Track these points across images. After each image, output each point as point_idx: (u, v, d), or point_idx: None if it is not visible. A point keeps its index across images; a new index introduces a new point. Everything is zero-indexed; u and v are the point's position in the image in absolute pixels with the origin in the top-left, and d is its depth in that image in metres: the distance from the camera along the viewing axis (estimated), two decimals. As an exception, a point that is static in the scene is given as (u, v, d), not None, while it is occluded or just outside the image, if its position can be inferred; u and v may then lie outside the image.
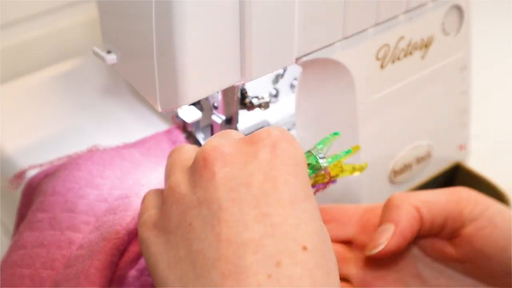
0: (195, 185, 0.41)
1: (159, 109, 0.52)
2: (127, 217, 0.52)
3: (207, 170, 0.40)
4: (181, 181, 0.42)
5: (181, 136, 0.62)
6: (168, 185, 0.42)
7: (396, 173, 0.66)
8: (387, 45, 0.60)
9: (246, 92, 0.58)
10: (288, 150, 0.41)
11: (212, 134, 0.59)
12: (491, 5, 1.04)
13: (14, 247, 0.52)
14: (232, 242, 0.38)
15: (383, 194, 0.67)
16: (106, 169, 0.58)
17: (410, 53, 0.62)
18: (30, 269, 0.50)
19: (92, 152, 0.60)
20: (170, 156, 0.46)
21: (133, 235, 0.52)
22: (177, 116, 0.60)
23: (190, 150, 0.46)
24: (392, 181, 0.66)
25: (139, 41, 0.51)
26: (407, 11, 0.59)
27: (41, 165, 0.60)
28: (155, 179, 0.56)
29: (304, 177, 0.41)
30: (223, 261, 0.37)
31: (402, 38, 0.60)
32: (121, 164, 0.59)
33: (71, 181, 0.56)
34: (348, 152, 0.48)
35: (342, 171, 0.49)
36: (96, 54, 0.56)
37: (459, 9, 0.64)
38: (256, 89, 0.61)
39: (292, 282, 0.37)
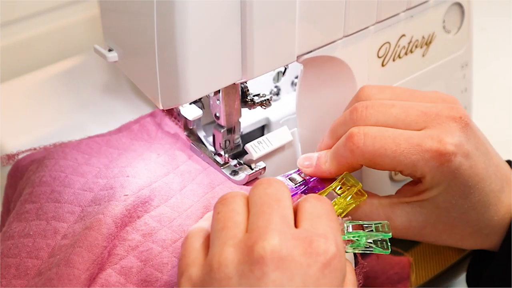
0: (242, 275, 0.42)
1: (161, 107, 0.53)
2: (110, 206, 0.53)
3: (259, 269, 0.42)
4: (230, 262, 0.43)
5: (165, 119, 0.63)
6: (218, 259, 0.43)
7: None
8: (388, 43, 0.60)
9: (247, 90, 0.58)
10: (336, 272, 0.43)
11: (214, 143, 0.59)
12: (491, 3, 1.04)
13: (3, 238, 0.53)
14: None
15: (383, 192, 0.67)
16: (93, 157, 0.59)
17: (411, 51, 0.62)
18: (16, 258, 0.51)
19: (79, 141, 0.61)
20: (217, 210, 0.46)
21: (118, 219, 0.52)
22: (178, 114, 0.60)
23: (239, 207, 0.46)
24: (392, 179, 0.66)
25: (141, 39, 0.51)
26: (408, 9, 0.59)
27: (35, 149, 0.61)
28: (140, 170, 0.57)
29: None
30: None
31: (403, 36, 0.60)
32: (108, 151, 0.60)
33: (57, 170, 0.57)
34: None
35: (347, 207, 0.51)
36: (97, 52, 0.56)
37: (460, 7, 0.65)
38: (258, 87, 0.61)
39: None
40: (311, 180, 0.54)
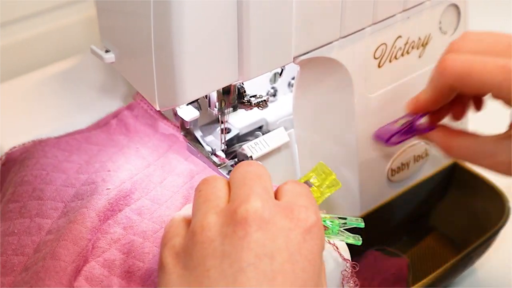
0: (225, 236, 0.42)
1: (158, 108, 0.53)
2: (92, 200, 0.53)
3: (242, 229, 0.42)
4: (213, 225, 0.43)
5: (142, 111, 0.63)
6: (200, 223, 0.43)
7: (393, 171, 0.66)
8: (384, 44, 0.60)
9: (244, 91, 0.58)
10: (316, 239, 0.44)
11: (209, 103, 0.59)
12: (488, 3, 1.04)
13: None
14: None
15: (380, 193, 0.67)
16: (73, 154, 0.59)
17: (407, 52, 0.62)
18: (2, 256, 0.52)
19: (58, 139, 0.61)
20: (199, 188, 0.47)
21: (101, 212, 0.52)
22: (175, 115, 0.60)
23: (221, 185, 0.46)
24: (389, 180, 0.66)
25: (137, 40, 0.51)
26: (404, 10, 0.60)
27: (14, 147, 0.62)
28: (121, 164, 0.57)
29: (319, 267, 0.44)
30: None
31: (399, 37, 0.61)
32: (88, 147, 0.60)
33: (38, 168, 0.58)
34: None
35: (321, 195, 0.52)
36: (94, 52, 0.56)
37: (456, 8, 0.65)
38: (254, 88, 0.61)
39: None
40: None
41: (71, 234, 0.51)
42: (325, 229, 0.49)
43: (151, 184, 0.56)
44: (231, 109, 0.58)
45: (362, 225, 0.50)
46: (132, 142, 0.60)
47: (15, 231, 0.53)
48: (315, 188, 0.52)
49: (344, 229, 0.50)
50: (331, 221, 0.50)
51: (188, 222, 0.46)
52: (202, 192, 0.46)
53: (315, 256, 0.43)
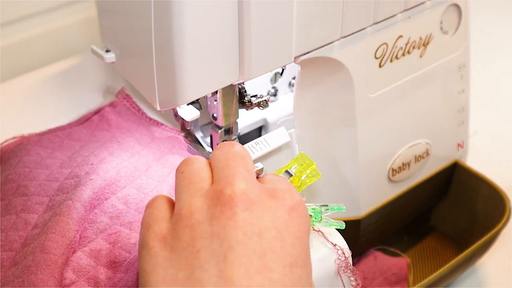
0: (213, 217, 0.43)
1: (158, 108, 0.52)
2: (77, 192, 0.53)
3: (229, 209, 0.43)
4: (200, 208, 0.43)
5: (124, 108, 0.63)
6: (188, 208, 0.44)
7: (394, 171, 0.66)
8: (385, 43, 0.60)
9: (245, 91, 0.58)
10: (302, 217, 0.45)
11: (212, 144, 0.59)
12: (489, 3, 1.04)
13: None
14: (231, 283, 0.40)
15: (381, 193, 0.67)
16: (56, 151, 0.60)
17: (408, 52, 0.62)
18: None
19: (40, 137, 0.62)
20: (181, 170, 0.47)
21: (86, 202, 0.52)
22: (176, 115, 0.60)
23: (203, 165, 0.46)
24: (390, 179, 0.66)
25: (138, 39, 0.51)
26: (405, 10, 0.59)
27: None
28: (104, 157, 0.57)
29: (307, 245, 0.44)
30: None
31: (400, 36, 0.61)
32: (70, 144, 0.61)
33: (21, 166, 0.58)
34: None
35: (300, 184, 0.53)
36: (94, 52, 0.56)
37: (457, 8, 0.65)
38: (255, 88, 0.61)
39: None
40: None
41: (58, 227, 0.51)
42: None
43: (136, 172, 0.56)
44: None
45: (343, 209, 0.51)
46: (114, 137, 0.60)
47: (2, 228, 0.53)
48: (295, 177, 0.53)
49: (327, 216, 0.51)
50: (312, 209, 0.51)
51: (171, 203, 0.46)
52: (185, 174, 0.46)
53: (302, 234, 0.44)
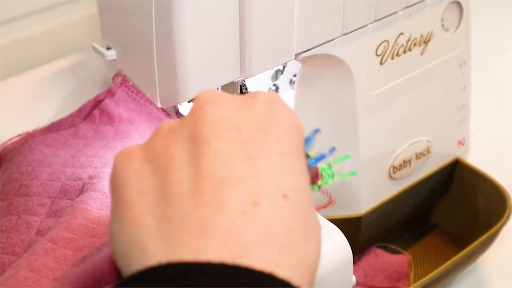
0: (184, 123, 0.39)
1: (159, 105, 0.52)
2: (81, 209, 0.52)
3: (199, 109, 0.39)
4: (172, 122, 0.40)
5: (123, 94, 0.62)
6: (159, 126, 0.40)
7: (395, 168, 0.66)
8: (386, 41, 0.60)
9: (246, 88, 0.58)
10: (285, 111, 0.40)
11: None
12: (490, 1, 1.04)
13: None
14: (212, 175, 0.36)
15: (382, 190, 0.67)
16: (60, 149, 0.59)
17: (410, 49, 0.62)
18: None
19: (45, 135, 0.61)
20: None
21: (94, 223, 0.51)
22: (177, 112, 0.60)
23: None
24: (391, 177, 0.66)
25: (139, 37, 0.51)
26: (406, 7, 0.59)
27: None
28: (108, 160, 0.56)
29: (298, 141, 0.39)
30: (199, 192, 0.36)
31: (401, 34, 0.60)
32: (74, 142, 0.60)
33: (24, 165, 0.57)
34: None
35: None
36: (95, 50, 0.56)
37: (458, 5, 0.64)
38: (256, 85, 0.61)
39: (267, 223, 0.35)
40: None
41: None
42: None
43: None
44: None
45: (350, 156, 0.48)
46: (118, 134, 0.60)
47: (3, 228, 0.53)
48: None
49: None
50: (322, 169, 0.48)
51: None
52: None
53: (290, 127, 0.39)
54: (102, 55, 0.55)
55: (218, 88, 0.56)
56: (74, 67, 0.74)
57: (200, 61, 0.49)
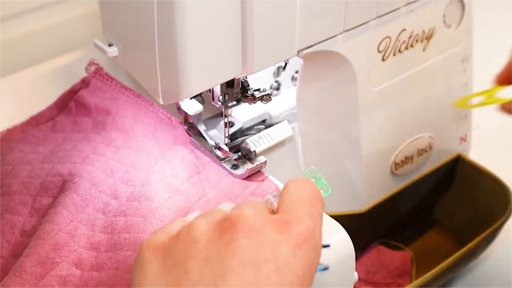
0: (211, 240, 0.41)
1: (161, 102, 0.52)
2: (62, 199, 0.52)
3: (229, 234, 0.40)
4: (201, 228, 0.41)
5: (98, 84, 0.62)
6: (188, 225, 0.42)
7: (397, 165, 0.66)
8: (388, 37, 0.60)
9: (248, 85, 0.58)
10: (308, 256, 0.41)
11: (212, 96, 0.59)
12: (492, -3, 1.04)
13: None
14: None
15: (384, 187, 0.67)
16: (39, 145, 0.59)
17: (412, 46, 0.62)
18: None
19: (25, 133, 0.61)
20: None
21: (74, 209, 0.51)
22: (179, 109, 0.60)
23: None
24: (393, 173, 0.66)
25: (141, 33, 0.51)
26: (408, 4, 0.59)
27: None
28: (87, 155, 0.56)
29: (309, 285, 0.41)
30: None
31: (403, 30, 0.60)
32: (53, 137, 0.59)
33: (4, 164, 0.57)
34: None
35: None
36: (97, 46, 0.56)
37: (460, 1, 0.64)
38: (258, 81, 0.61)
39: None
40: None
41: (51, 238, 0.50)
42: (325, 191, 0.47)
43: (122, 167, 0.55)
44: (234, 102, 0.58)
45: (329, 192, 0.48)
46: (96, 125, 0.59)
47: None
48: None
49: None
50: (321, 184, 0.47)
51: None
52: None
53: (304, 273, 0.40)
54: (103, 51, 0.55)
55: (219, 85, 0.55)
56: (75, 64, 0.74)
57: (202, 57, 0.49)
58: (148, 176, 0.54)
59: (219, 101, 0.57)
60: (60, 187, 0.54)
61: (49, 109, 0.63)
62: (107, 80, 0.62)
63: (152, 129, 0.58)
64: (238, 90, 0.58)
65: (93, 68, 0.63)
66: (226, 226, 0.41)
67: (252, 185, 0.55)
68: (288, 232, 0.41)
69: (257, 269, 0.39)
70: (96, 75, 0.63)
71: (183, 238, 0.41)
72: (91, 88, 0.62)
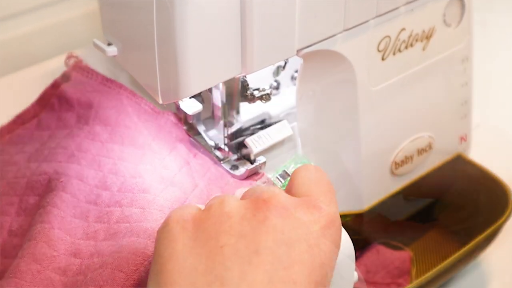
0: (244, 218, 0.41)
1: (160, 101, 0.52)
2: (50, 198, 0.51)
3: (263, 212, 0.41)
4: (233, 205, 0.42)
5: (79, 77, 0.61)
6: (220, 201, 0.42)
7: (397, 164, 0.66)
8: (388, 36, 0.60)
9: (247, 84, 0.58)
10: (335, 236, 0.43)
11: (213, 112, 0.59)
12: (492, -4, 1.04)
13: None
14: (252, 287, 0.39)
15: (384, 186, 0.67)
16: (26, 145, 0.58)
17: (411, 45, 0.62)
18: None
19: (11, 134, 0.60)
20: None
21: (65, 206, 0.51)
22: (178, 108, 0.60)
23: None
24: (393, 173, 0.66)
25: (140, 33, 0.51)
26: (408, 3, 0.59)
27: None
28: (71, 152, 0.56)
29: (332, 268, 0.42)
30: None
31: (403, 29, 0.60)
32: (39, 135, 0.59)
33: None
34: None
35: None
36: (96, 46, 0.56)
37: (460, 1, 0.64)
38: (257, 81, 0.61)
39: None
40: None
41: (45, 237, 0.49)
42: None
43: (109, 161, 0.54)
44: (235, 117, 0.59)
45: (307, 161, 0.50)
46: (79, 120, 0.59)
47: None
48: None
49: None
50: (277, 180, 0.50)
51: None
52: None
53: (332, 254, 0.42)
54: (103, 51, 0.55)
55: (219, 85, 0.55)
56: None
57: (201, 57, 0.49)
58: (137, 167, 0.54)
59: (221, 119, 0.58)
60: (46, 185, 0.53)
61: (33, 106, 0.63)
62: (88, 72, 0.62)
63: (135, 119, 0.58)
64: (237, 90, 0.58)
65: (72, 61, 0.63)
66: (259, 205, 0.41)
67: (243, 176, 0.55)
68: (318, 213, 0.42)
69: (290, 247, 0.40)
70: (76, 68, 0.62)
71: (215, 212, 0.41)
72: (73, 82, 0.61)
